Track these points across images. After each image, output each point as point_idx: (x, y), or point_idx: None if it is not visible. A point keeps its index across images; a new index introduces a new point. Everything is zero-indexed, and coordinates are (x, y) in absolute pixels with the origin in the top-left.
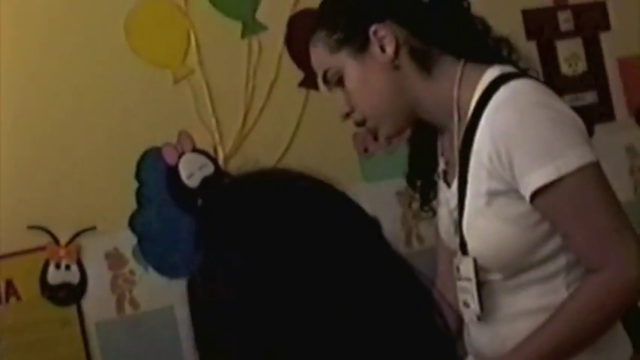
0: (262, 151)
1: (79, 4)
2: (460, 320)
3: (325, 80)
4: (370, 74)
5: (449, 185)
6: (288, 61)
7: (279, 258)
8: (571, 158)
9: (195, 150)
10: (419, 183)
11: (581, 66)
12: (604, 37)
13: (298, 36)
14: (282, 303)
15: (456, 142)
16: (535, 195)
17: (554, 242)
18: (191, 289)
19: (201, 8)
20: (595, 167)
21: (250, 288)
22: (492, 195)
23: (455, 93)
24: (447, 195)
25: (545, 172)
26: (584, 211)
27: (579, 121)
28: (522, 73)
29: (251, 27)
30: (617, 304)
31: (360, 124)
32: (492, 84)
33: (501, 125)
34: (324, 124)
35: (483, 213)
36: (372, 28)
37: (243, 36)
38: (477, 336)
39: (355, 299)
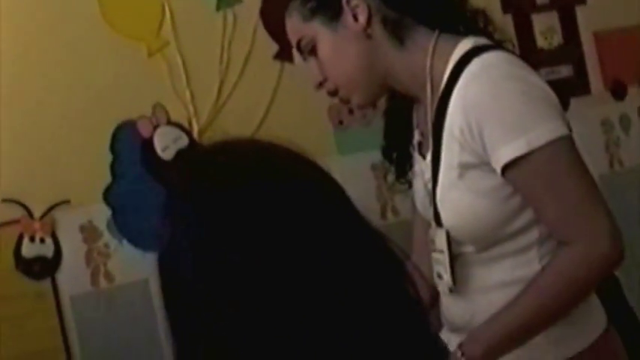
0: (237, 124)
1: None
2: (434, 291)
3: (299, 49)
4: (342, 43)
5: (424, 157)
6: (263, 34)
7: (246, 232)
8: (542, 132)
9: (169, 123)
10: (394, 155)
11: (557, 39)
12: (580, 11)
13: (273, 8)
14: (249, 277)
15: (429, 115)
16: (506, 168)
17: (527, 215)
18: (160, 263)
19: None
20: (567, 141)
21: (216, 265)
22: (464, 168)
23: (427, 64)
24: (422, 167)
25: (515, 146)
26: (555, 185)
27: (552, 94)
28: (496, 45)
29: None
30: (587, 277)
31: (333, 93)
32: (465, 56)
33: (473, 98)
34: (299, 96)
35: (456, 185)
36: None
37: (218, 8)
38: (450, 307)
39: (325, 270)
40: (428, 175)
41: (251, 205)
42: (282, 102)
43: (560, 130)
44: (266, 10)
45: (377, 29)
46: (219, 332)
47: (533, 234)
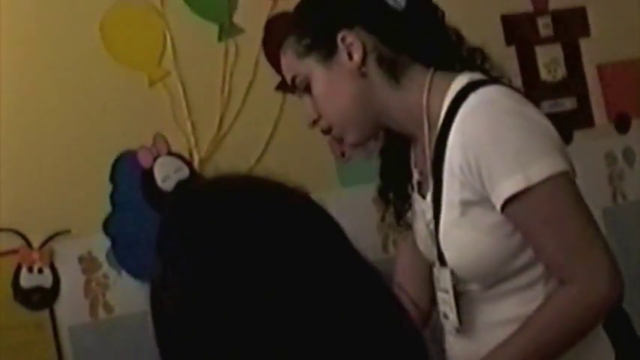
0: (238, 155)
1: (54, 4)
2: (424, 316)
3: (294, 86)
4: (337, 81)
5: (424, 197)
6: (265, 65)
7: (237, 271)
8: (541, 167)
9: (170, 153)
10: (391, 196)
11: (561, 72)
12: (584, 44)
13: (275, 39)
14: (238, 317)
15: (428, 153)
16: (506, 204)
17: (531, 251)
18: (151, 297)
19: (178, 10)
20: (566, 177)
21: (203, 300)
22: (466, 205)
23: (424, 102)
24: (423, 207)
25: (514, 181)
26: (554, 222)
27: (551, 128)
28: (493, 80)
29: (228, 29)
30: (585, 317)
31: (327, 131)
32: (461, 91)
33: (471, 135)
34: (301, 128)
35: (458, 224)
36: (340, 35)
37: (220, 39)
38: (454, 346)
39: (318, 309)
40: (429, 215)
41: (242, 243)
42: (283, 133)
43: (559, 166)
44: (268, 40)
45: (372, 67)
46: None
47: (538, 270)
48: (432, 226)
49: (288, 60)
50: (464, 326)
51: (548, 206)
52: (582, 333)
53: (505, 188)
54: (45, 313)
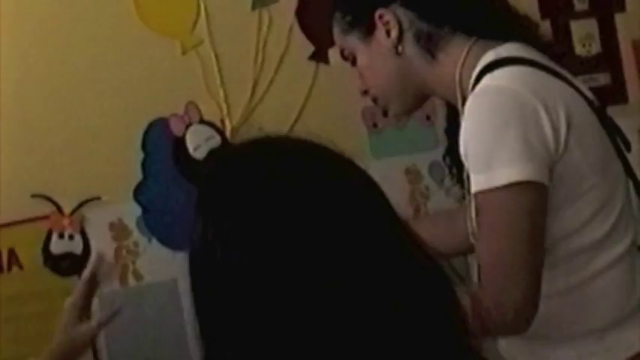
0: (270, 124)
1: None
2: None
3: (344, 58)
4: (376, 58)
5: None
6: (298, 34)
7: (277, 230)
8: (506, 173)
9: (202, 121)
10: (449, 159)
11: (595, 47)
12: (619, 19)
13: (309, 9)
14: (279, 272)
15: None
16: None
17: (567, 222)
18: (191, 259)
19: None
20: (527, 189)
21: (244, 262)
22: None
23: (457, 77)
24: None
25: (479, 179)
26: (494, 230)
27: (542, 136)
28: (516, 60)
29: None
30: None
31: (375, 101)
32: (483, 70)
33: (465, 122)
34: (334, 98)
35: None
36: (378, 13)
37: (253, 7)
38: None
39: (357, 269)
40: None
41: (283, 203)
42: (316, 103)
43: (525, 175)
44: (302, 10)
45: (409, 44)
46: (248, 329)
47: (577, 241)
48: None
49: (336, 34)
50: None
51: (496, 213)
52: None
53: (473, 183)
54: (74, 280)
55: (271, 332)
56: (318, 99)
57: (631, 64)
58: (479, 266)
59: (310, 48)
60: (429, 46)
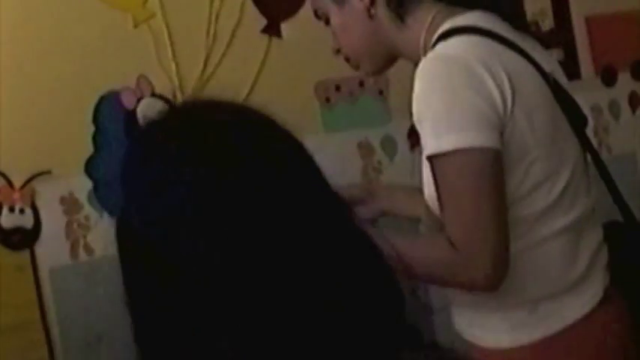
0: (222, 98)
1: None
2: None
3: (317, 17)
4: (348, 20)
5: None
6: (251, 7)
7: (203, 206)
8: (452, 139)
9: (154, 95)
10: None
11: (549, 23)
12: None
13: None
14: (209, 237)
15: None
16: (427, 162)
17: None
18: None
19: None
20: (480, 154)
21: (168, 237)
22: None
23: (421, 41)
24: None
25: (431, 144)
26: (455, 192)
27: (484, 103)
28: (472, 29)
29: None
30: (445, 281)
31: (347, 59)
32: (439, 37)
33: (416, 88)
34: (286, 72)
35: (424, 160)
36: None
37: None
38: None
39: (289, 236)
40: None
41: (207, 180)
42: (268, 77)
43: (473, 142)
44: None
45: (380, 8)
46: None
47: None
48: None
49: None
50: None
51: (451, 176)
52: (434, 283)
53: (425, 148)
54: (25, 254)
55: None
56: (271, 73)
57: (584, 41)
58: (445, 224)
59: (263, 21)
60: (399, 10)
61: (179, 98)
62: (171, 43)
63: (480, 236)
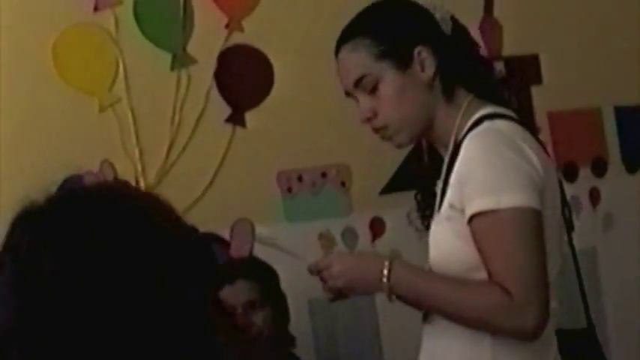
0: (184, 185)
1: (8, 23)
2: None
3: (358, 84)
4: (408, 88)
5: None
6: (216, 96)
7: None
8: (513, 197)
9: (116, 180)
10: (419, 198)
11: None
12: (535, 91)
13: (228, 71)
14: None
15: (446, 159)
16: (473, 217)
17: None
18: None
19: (132, 37)
20: (533, 214)
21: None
22: (453, 210)
23: (458, 121)
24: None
25: (487, 201)
26: (510, 244)
27: (538, 169)
28: (508, 115)
29: (181, 59)
30: (496, 325)
31: (378, 129)
32: (480, 118)
33: (468, 154)
34: (249, 161)
35: (442, 223)
36: (418, 49)
37: (172, 68)
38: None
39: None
40: (436, 212)
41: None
42: (231, 166)
43: (530, 202)
44: (221, 72)
45: (437, 83)
46: None
47: None
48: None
49: (360, 59)
50: (430, 316)
51: (508, 230)
52: (480, 328)
53: (477, 204)
54: None
55: None
56: (234, 162)
57: (546, 136)
58: (497, 275)
59: (227, 110)
60: (450, 89)
61: (141, 184)
62: (136, 129)
63: (533, 285)
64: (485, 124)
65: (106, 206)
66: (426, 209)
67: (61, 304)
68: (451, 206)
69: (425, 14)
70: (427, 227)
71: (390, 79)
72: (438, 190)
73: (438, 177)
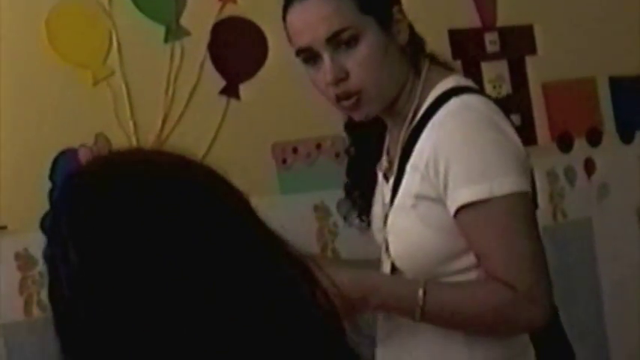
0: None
1: None
2: None
3: (332, 39)
4: (389, 49)
5: (387, 180)
6: (210, 68)
7: (123, 252)
8: (505, 183)
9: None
10: (357, 193)
11: (506, 88)
12: (530, 61)
13: (222, 43)
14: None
15: (402, 139)
16: (461, 209)
17: (471, 257)
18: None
19: (125, 10)
20: (526, 198)
21: (88, 288)
22: (420, 198)
23: (418, 92)
24: (384, 190)
25: (477, 190)
26: (507, 234)
27: (521, 148)
28: (477, 89)
29: (174, 32)
30: (509, 320)
31: (345, 95)
32: (445, 93)
33: (445, 136)
34: (244, 133)
35: (408, 213)
36: (396, 8)
37: (165, 40)
38: (381, 333)
39: (212, 277)
40: (387, 198)
41: (129, 223)
42: (225, 138)
43: (522, 186)
44: (214, 44)
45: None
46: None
47: (471, 276)
48: (387, 209)
49: (343, 10)
50: (391, 322)
51: (504, 220)
52: (496, 330)
53: (466, 194)
54: None
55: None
56: (228, 134)
57: (541, 107)
58: (496, 270)
59: (222, 82)
60: (416, 56)
61: None
62: (130, 102)
63: (537, 274)
64: (455, 101)
65: (159, 171)
66: (370, 200)
67: (121, 264)
68: (417, 196)
69: None
70: (367, 224)
71: (373, 36)
72: (384, 174)
73: (377, 158)
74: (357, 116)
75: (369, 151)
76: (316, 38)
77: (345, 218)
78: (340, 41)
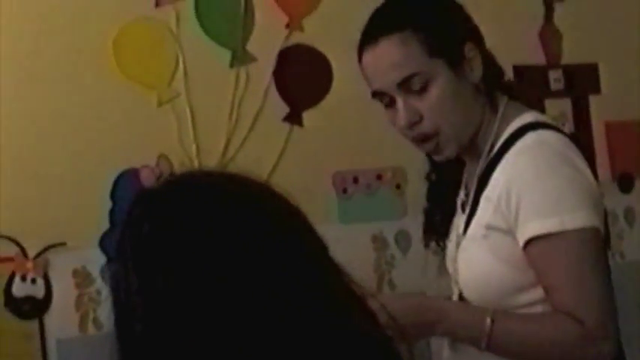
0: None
1: (70, 17)
2: None
3: (403, 84)
4: (461, 89)
5: (463, 211)
6: (274, 95)
7: (190, 269)
8: (577, 217)
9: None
10: (438, 217)
11: (568, 126)
12: (593, 100)
13: (287, 70)
14: (193, 313)
15: (478, 171)
16: (531, 241)
17: (538, 291)
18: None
19: (192, 33)
20: (597, 234)
21: (161, 305)
22: (491, 229)
23: (495, 128)
24: (459, 221)
25: (548, 223)
26: (577, 268)
27: (595, 185)
28: (553, 126)
29: (240, 57)
30: (576, 357)
31: (421, 138)
32: (522, 128)
33: (518, 170)
34: (305, 161)
35: (479, 243)
36: (468, 46)
37: (231, 65)
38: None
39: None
40: (461, 229)
41: (197, 241)
42: (287, 165)
43: (594, 221)
44: (279, 71)
45: (481, 86)
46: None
47: (538, 310)
48: (459, 239)
49: (411, 54)
50: (456, 344)
51: (575, 253)
52: None
53: (537, 226)
54: (34, 324)
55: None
56: (290, 161)
57: (602, 146)
58: (565, 304)
59: (285, 109)
60: (491, 94)
61: None
62: (194, 125)
63: (606, 310)
64: (531, 136)
65: (224, 193)
66: (447, 227)
67: (181, 286)
68: (489, 227)
69: (463, 8)
70: (443, 247)
71: (444, 78)
72: (461, 206)
73: (456, 191)
74: (438, 158)
75: (450, 177)
76: (388, 84)
77: (424, 243)
78: (410, 86)
